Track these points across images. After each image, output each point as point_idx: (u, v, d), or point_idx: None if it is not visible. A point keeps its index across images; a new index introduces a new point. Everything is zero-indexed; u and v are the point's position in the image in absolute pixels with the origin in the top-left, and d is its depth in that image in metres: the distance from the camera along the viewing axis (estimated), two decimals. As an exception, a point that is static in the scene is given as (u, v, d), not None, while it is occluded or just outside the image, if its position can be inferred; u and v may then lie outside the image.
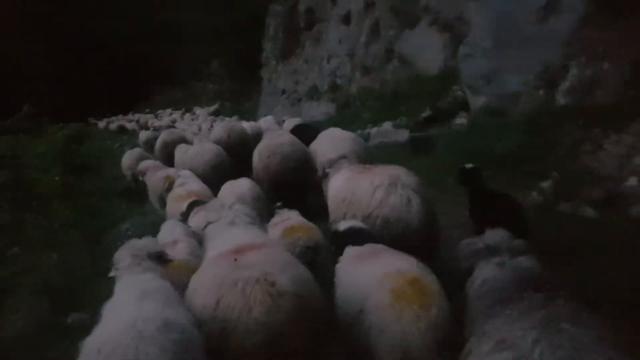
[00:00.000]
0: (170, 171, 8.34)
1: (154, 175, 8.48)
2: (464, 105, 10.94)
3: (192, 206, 5.64)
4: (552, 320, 2.20)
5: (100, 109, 40.11)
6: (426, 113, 10.95)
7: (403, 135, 10.67)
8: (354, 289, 3.13)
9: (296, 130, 8.89)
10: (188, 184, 6.94)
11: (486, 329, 2.40)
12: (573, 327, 2.15)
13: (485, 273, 2.90)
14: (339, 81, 17.92)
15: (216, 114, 32.07)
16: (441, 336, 2.74)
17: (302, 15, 20.44)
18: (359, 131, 14.39)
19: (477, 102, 10.17)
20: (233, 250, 3.21)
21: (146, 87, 45.50)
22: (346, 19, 17.59)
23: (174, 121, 31.45)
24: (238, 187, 6.40)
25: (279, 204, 5.46)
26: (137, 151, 11.59)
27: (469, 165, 4.84)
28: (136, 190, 10.24)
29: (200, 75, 44.24)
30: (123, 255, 3.49)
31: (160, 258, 3.58)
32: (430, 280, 2.98)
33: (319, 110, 18.33)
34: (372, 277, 3.02)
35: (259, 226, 4.21)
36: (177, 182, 7.17)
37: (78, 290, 5.60)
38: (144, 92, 45.35)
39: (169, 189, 7.17)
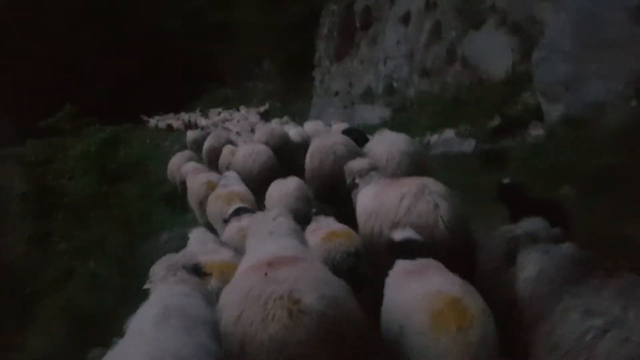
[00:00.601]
0: (212, 176, 8.05)
1: (195, 179, 8.10)
2: (537, 114, 10.00)
3: (237, 212, 5.39)
4: (632, 289, 2.35)
5: (152, 107, 40.62)
6: (495, 122, 10.06)
7: (469, 145, 9.85)
8: (398, 306, 3.14)
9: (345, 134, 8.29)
10: (231, 186, 6.75)
11: (565, 305, 2.51)
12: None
13: (536, 261, 3.03)
14: (395, 84, 17.13)
15: (266, 114, 31.79)
16: (480, 358, 2.70)
17: (359, 15, 19.72)
18: (417, 138, 13.66)
19: (554, 111, 9.23)
20: (265, 262, 3.08)
21: (198, 86, 45.81)
22: (405, 19, 16.78)
23: (223, 120, 31.43)
24: (286, 186, 6.50)
25: (314, 210, 5.41)
26: (186, 154, 11.16)
27: (507, 180, 4.62)
28: (180, 196, 9.83)
29: (252, 74, 44.10)
30: (158, 269, 3.47)
31: (196, 271, 3.52)
32: (472, 301, 2.90)
33: (373, 113, 17.59)
34: (414, 297, 3.02)
35: (301, 239, 3.96)
36: (221, 182, 7.06)
37: (103, 318, 5.10)
38: (195, 91, 45.67)
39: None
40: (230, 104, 39.56)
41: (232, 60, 44.00)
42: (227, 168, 8.75)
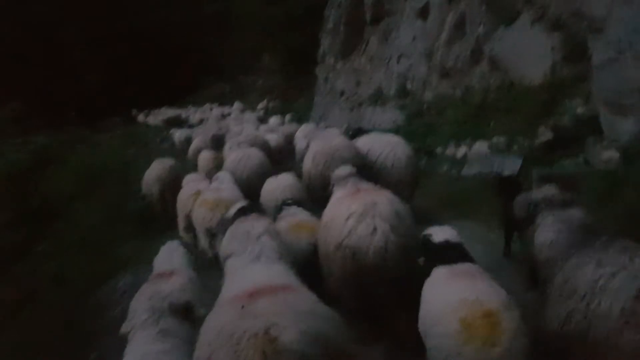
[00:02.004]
0: (202, 184, 7.33)
1: (184, 189, 7.26)
2: (593, 128, 8.21)
3: (239, 214, 4.60)
4: (634, 247, 2.89)
5: (145, 102, 38.86)
6: (546, 136, 8.22)
7: (513, 164, 8.03)
8: (434, 309, 3.16)
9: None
10: (221, 190, 6.33)
11: (577, 260, 3.01)
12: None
13: (550, 227, 3.57)
14: (410, 85, 15.27)
15: (265, 112, 29.97)
16: None
17: (369, 7, 17.80)
18: (438, 148, 11.84)
19: (623, 125, 7.42)
20: (245, 293, 2.72)
21: (193, 80, 44.04)
22: (423, 13, 14.91)
23: (223, 115, 29.62)
24: (282, 182, 6.58)
25: (289, 200, 5.62)
26: (167, 163, 9.10)
27: (507, 174, 4.68)
28: (160, 215, 7.98)
29: (250, 69, 42.29)
30: (139, 306, 2.98)
31: (186, 312, 3.07)
32: (509, 316, 2.86)
33: (384, 117, 15.78)
34: (450, 301, 3.02)
35: (287, 262, 3.58)
36: (212, 184, 6.79)
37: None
38: (190, 85, 43.91)
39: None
40: (226, 99, 37.88)
41: (230, 54, 42.19)
42: (210, 173, 8.38)
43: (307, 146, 9.45)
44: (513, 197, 4.23)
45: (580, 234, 3.37)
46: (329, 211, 4.68)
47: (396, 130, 14.61)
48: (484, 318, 2.82)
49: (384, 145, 7.20)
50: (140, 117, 34.59)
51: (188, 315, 3.12)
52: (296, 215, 5.08)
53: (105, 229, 7.85)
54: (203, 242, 5.76)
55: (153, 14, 46.78)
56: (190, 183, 7.46)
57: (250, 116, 23.50)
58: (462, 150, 10.31)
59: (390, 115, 15.47)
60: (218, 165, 9.08)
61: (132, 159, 14.64)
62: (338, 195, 4.95)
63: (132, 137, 26.38)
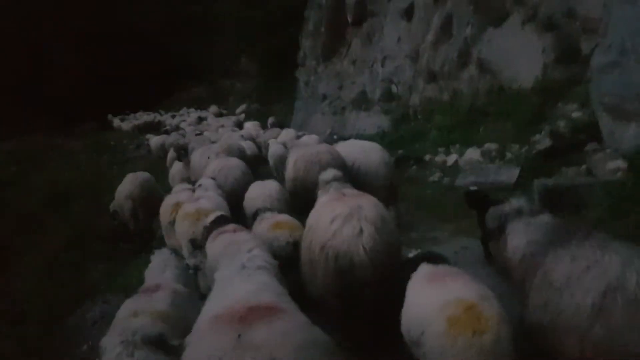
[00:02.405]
0: (183, 195, 6.88)
1: (166, 201, 6.86)
2: (593, 134, 7.78)
3: (215, 225, 4.74)
4: (606, 243, 3.01)
5: (121, 105, 37.82)
6: (544, 143, 7.76)
7: (510, 174, 7.54)
8: (418, 311, 3.28)
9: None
10: (203, 200, 6.11)
11: (554, 256, 3.17)
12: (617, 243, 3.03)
13: (523, 229, 3.67)
14: (395, 89, 14.78)
15: (244, 117, 29.27)
16: (498, 358, 2.87)
17: (351, 8, 17.27)
18: (427, 157, 11.32)
19: (626, 132, 6.98)
20: (238, 313, 2.58)
21: (170, 84, 43.13)
22: (408, 13, 14.45)
23: (200, 119, 28.79)
24: (267, 187, 6.60)
25: (263, 208, 5.68)
26: (140, 177, 8.39)
27: (474, 188, 4.90)
28: (133, 236, 7.31)
29: (229, 72, 41.58)
30: (111, 342, 2.80)
31: (160, 344, 2.86)
32: (489, 306, 3.03)
33: (368, 122, 15.28)
34: (433, 303, 3.16)
35: (278, 277, 3.49)
36: (196, 192, 6.64)
37: None
38: (167, 89, 43.00)
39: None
40: (204, 103, 37.13)
41: (208, 57, 41.46)
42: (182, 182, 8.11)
43: (282, 152, 10.02)
44: (484, 209, 4.27)
45: (556, 231, 3.49)
46: (314, 215, 4.68)
47: (382, 136, 14.14)
48: (467, 312, 2.98)
49: (359, 152, 7.17)
50: (116, 122, 33.54)
51: (163, 347, 2.91)
52: (276, 216, 5.26)
53: (72, 252, 7.14)
54: (186, 253, 5.60)
55: (130, 16, 45.78)
56: (174, 194, 7.14)
57: (227, 121, 22.77)
58: (452, 158, 9.83)
59: (375, 120, 14.97)
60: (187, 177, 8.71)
61: (104, 170, 13.84)
62: (323, 199, 5.00)
63: (106, 145, 25.41)
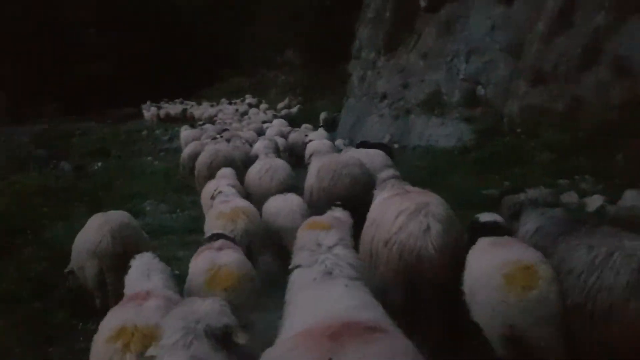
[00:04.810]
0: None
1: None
2: None
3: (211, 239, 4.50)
4: (616, 232, 3.26)
5: (158, 93, 35.74)
6: None
7: None
8: (479, 269, 3.60)
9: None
10: (238, 200, 6.11)
11: (567, 245, 3.39)
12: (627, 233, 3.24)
13: (536, 218, 3.89)
14: (481, 91, 11.54)
15: (286, 112, 26.41)
16: (544, 313, 3.20)
17: (426, -10, 14.10)
18: (522, 195, 8.07)
19: None
20: (328, 330, 2.23)
21: (210, 72, 40.77)
22: (507, -5, 11.20)
23: (245, 112, 26.20)
24: (290, 202, 6.26)
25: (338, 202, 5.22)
26: (110, 223, 5.05)
27: (487, 219, 4.20)
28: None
29: (272, 63, 38.85)
30: (172, 325, 2.61)
31: (224, 338, 2.62)
32: (544, 268, 3.31)
33: (442, 131, 12.13)
34: (493, 262, 3.47)
35: (363, 280, 3.00)
36: (220, 196, 6.33)
37: None
38: (208, 78, 40.66)
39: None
40: (244, 95, 34.52)
41: (252, 46, 38.72)
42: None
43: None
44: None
45: (566, 223, 3.65)
46: (376, 209, 4.71)
47: (462, 151, 10.97)
48: (523, 270, 3.32)
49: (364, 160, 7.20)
50: (146, 114, 31.24)
51: (225, 342, 2.60)
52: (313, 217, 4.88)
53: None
54: None
55: (173, 0, 43.83)
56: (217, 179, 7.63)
57: (277, 122, 19.72)
58: (596, 201, 6.59)
59: (452, 129, 11.81)
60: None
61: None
62: (383, 195, 4.96)
63: (138, 134, 23.20)
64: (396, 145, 14.00)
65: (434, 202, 4.26)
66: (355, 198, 5.94)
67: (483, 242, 3.79)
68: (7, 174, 13.91)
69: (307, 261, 3.13)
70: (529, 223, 3.85)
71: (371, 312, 2.60)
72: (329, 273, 2.95)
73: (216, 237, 4.53)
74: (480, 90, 11.53)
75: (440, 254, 3.94)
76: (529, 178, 8.49)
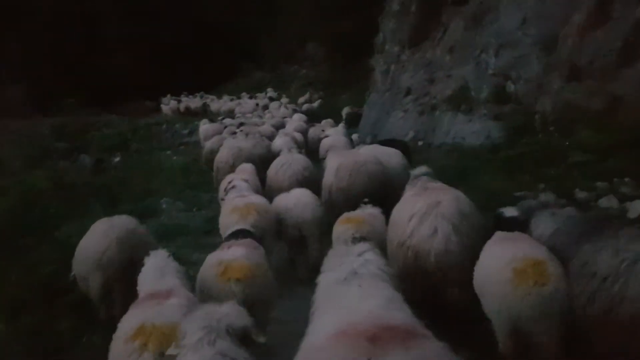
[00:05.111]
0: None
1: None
2: None
3: (235, 235, 4.56)
4: (637, 236, 3.14)
5: (177, 86, 35.58)
6: None
7: None
8: (490, 263, 3.70)
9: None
10: (253, 196, 6.19)
11: (591, 247, 3.29)
12: None
13: (550, 219, 3.92)
14: (512, 87, 11.01)
15: (308, 107, 26.05)
16: (552, 310, 3.27)
17: (455, -18, 13.57)
18: (580, 194, 7.57)
19: None
20: (360, 333, 2.20)
21: (231, 66, 40.49)
22: (541, -15, 10.64)
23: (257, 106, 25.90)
24: (305, 196, 6.48)
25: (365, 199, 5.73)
26: (116, 231, 4.75)
27: (510, 214, 4.29)
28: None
29: (294, 57, 38.47)
30: (193, 327, 2.63)
31: (245, 337, 2.71)
32: (553, 265, 3.42)
33: (470, 128, 11.63)
34: (504, 257, 3.57)
35: (394, 286, 2.97)
36: (234, 191, 6.42)
37: None
38: (228, 72, 40.38)
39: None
40: (265, 88, 34.21)
41: (273, 40, 38.33)
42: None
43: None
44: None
45: (586, 224, 3.58)
46: (396, 209, 4.74)
47: (491, 150, 10.47)
48: (534, 266, 3.38)
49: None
50: (164, 108, 31.15)
51: (246, 341, 2.67)
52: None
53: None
54: None
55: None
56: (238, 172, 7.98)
57: (297, 116, 19.43)
58: (638, 206, 6.10)
59: (480, 126, 11.29)
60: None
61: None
62: (408, 194, 4.99)
63: (150, 130, 23.09)
64: (420, 143, 13.53)
65: (446, 201, 4.30)
66: (374, 196, 6.01)
67: (496, 236, 3.92)
68: (27, 167, 13.85)
69: (335, 266, 3.14)
70: (542, 226, 3.82)
71: (403, 313, 2.59)
72: (355, 273, 2.94)
73: (241, 234, 4.59)
74: (510, 86, 10.98)
75: (449, 256, 4.06)
76: (563, 180, 8.04)
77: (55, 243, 6.76)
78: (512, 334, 3.46)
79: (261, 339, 2.78)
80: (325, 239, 5.86)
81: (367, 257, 3.14)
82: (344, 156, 7.04)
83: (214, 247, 4.64)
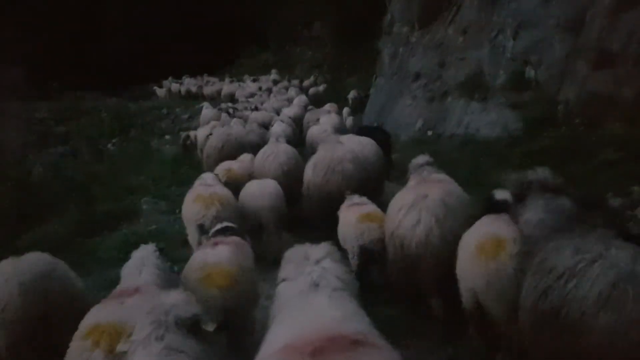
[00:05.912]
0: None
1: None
2: None
3: (223, 232, 4.67)
4: (610, 237, 3.02)
5: (179, 70, 34.79)
6: None
7: None
8: (462, 241, 4.01)
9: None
10: (219, 187, 6.27)
11: (557, 243, 3.18)
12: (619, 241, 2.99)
13: (540, 208, 3.71)
14: (532, 73, 10.02)
15: (314, 90, 25.09)
16: (497, 283, 3.57)
17: (467, -43, 12.51)
18: (613, 199, 6.65)
19: None
20: (310, 346, 2.13)
21: (236, 49, 39.56)
22: (566, -40, 9.60)
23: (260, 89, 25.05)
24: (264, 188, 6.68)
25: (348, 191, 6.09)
26: (27, 272, 3.82)
27: (501, 197, 4.28)
28: None
29: (299, 39, 37.40)
30: (142, 322, 2.65)
31: (194, 327, 2.72)
32: (513, 245, 3.65)
33: (484, 118, 10.71)
34: (474, 233, 3.94)
35: (352, 295, 2.91)
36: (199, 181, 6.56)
37: None
38: (232, 54, 39.47)
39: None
40: (269, 70, 33.27)
41: (277, 21, 37.23)
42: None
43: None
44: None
45: (565, 220, 3.56)
46: (392, 200, 4.93)
47: (509, 143, 9.55)
48: (493, 242, 3.71)
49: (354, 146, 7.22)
50: (159, 91, 30.47)
51: (195, 331, 2.68)
52: (367, 205, 5.63)
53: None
54: (191, 238, 5.72)
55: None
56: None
57: (297, 100, 18.60)
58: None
59: (496, 116, 10.36)
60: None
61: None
62: (408, 184, 5.20)
63: (151, 114, 22.42)
64: (430, 133, 12.63)
65: (434, 194, 4.48)
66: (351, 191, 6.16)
67: (482, 219, 4.09)
68: (24, 152, 13.34)
69: (294, 274, 3.02)
70: (531, 212, 3.76)
71: (357, 323, 2.52)
72: (315, 285, 2.83)
73: (229, 230, 4.66)
74: (530, 72, 9.97)
75: (429, 246, 4.28)
76: (592, 181, 7.14)
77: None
78: (473, 304, 3.79)
79: (210, 328, 2.77)
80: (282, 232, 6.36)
81: (325, 266, 2.98)
82: (324, 151, 7.07)
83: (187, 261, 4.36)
